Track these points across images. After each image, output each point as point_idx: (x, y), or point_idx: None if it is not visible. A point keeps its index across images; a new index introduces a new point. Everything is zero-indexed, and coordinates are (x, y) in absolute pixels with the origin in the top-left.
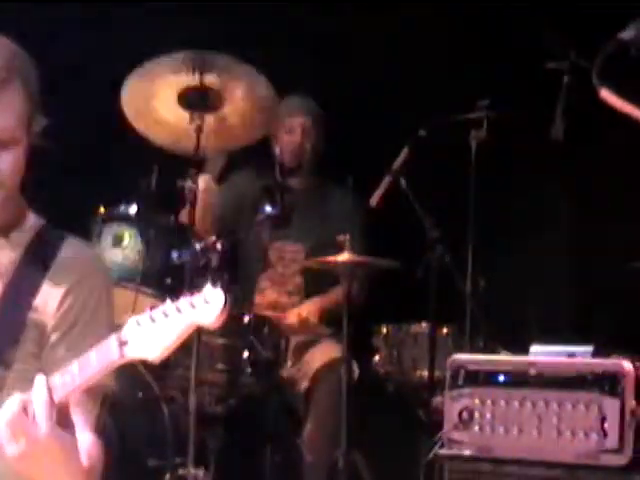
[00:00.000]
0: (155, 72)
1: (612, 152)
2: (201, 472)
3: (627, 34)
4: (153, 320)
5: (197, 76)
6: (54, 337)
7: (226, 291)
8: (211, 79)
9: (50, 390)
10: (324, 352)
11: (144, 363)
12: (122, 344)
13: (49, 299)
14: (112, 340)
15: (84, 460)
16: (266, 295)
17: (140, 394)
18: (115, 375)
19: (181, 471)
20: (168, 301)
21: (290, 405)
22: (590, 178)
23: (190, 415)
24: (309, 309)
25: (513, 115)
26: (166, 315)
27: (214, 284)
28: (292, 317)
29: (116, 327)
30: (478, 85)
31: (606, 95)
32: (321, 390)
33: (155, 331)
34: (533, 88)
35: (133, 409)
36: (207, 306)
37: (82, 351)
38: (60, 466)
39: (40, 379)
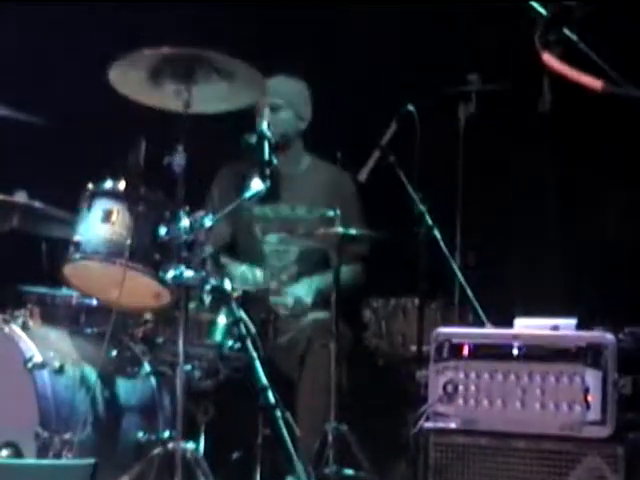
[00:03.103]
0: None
1: (600, 124)
2: (191, 446)
3: None
4: None
5: None
6: None
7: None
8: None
9: None
10: (317, 316)
11: (133, 339)
12: None
13: None
14: None
15: None
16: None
17: (130, 369)
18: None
19: (171, 445)
20: None
21: (283, 375)
22: (578, 150)
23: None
24: (304, 290)
25: (501, 89)
26: None
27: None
28: (287, 298)
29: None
30: (466, 59)
31: (548, 59)
32: (315, 349)
33: None
34: (521, 61)
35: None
36: None
37: None
38: None
39: None
